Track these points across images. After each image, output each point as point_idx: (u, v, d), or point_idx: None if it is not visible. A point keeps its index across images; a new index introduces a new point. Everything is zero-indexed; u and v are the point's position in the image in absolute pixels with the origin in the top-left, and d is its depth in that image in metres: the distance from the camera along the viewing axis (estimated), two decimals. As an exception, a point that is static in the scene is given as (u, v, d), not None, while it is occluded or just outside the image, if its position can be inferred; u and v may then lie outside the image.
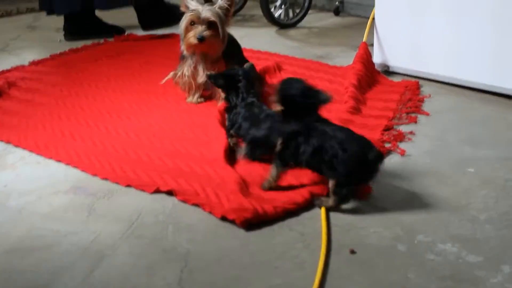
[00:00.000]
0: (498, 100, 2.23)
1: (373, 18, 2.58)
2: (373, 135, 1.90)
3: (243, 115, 1.80)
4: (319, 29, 3.36)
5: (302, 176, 1.65)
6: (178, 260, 1.35)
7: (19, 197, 1.64)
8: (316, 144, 1.50)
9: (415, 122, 2.05)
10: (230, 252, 1.38)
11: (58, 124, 2.08)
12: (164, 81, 2.28)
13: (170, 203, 1.58)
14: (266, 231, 1.45)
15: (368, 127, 1.97)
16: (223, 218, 1.49)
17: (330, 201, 1.51)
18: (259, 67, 2.46)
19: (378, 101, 2.21)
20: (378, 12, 2.54)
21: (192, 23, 2.08)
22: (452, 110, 2.16)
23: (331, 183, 1.50)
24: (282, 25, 3.33)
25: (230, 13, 2.13)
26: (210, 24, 2.07)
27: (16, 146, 1.94)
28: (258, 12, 3.37)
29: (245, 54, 2.46)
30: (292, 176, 1.65)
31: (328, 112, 1.70)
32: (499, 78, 2.23)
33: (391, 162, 1.78)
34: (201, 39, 2.05)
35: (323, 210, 1.51)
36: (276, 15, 3.31)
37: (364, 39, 2.60)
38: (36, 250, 1.41)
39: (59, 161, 1.83)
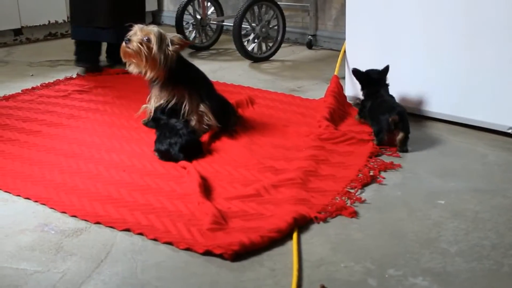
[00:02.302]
0: (468, 132, 2.26)
1: (344, 51, 2.61)
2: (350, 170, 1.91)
3: None
4: (292, 62, 3.39)
5: (281, 202, 1.71)
6: (146, 298, 1.33)
7: (-15, 236, 1.61)
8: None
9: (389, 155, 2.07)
10: (200, 290, 1.36)
11: (27, 160, 2.05)
12: (139, 113, 2.31)
13: (139, 240, 1.56)
14: (236, 266, 1.44)
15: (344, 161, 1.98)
16: (192, 255, 1.48)
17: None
18: (232, 100, 2.46)
19: (350, 134, 2.22)
20: (349, 45, 2.58)
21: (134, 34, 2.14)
22: (422, 142, 2.18)
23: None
24: (255, 58, 3.36)
25: (176, 49, 2.17)
26: (148, 39, 2.11)
27: (-17, 183, 1.91)
28: (232, 46, 3.40)
29: (218, 87, 2.47)
30: (271, 204, 1.70)
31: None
32: (468, 110, 2.26)
33: (362, 195, 1.78)
34: (127, 41, 2.11)
35: (294, 245, 1.50)
36: (249, 48, 3.34)
37: (336, 72, 2.63)
38: (1, 290, 1.38)
39: (27, 198, 1.80)
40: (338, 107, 2.42)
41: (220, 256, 1.47)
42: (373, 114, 2.22)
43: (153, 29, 2.13)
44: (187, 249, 1.51)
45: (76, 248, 1.54)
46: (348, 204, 1.72)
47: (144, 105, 2.27)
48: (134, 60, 2.16)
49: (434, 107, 2.35)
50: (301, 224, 1.62)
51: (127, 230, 1.61)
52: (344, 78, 2.61)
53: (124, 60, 2.21)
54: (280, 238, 1.55)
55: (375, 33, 2.47)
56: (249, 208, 1.70)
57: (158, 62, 2.13)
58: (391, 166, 1.97)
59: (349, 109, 2.47)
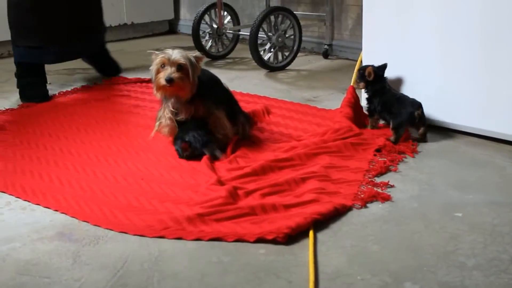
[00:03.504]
0: (486, 143, 2.24)
1: (361, 61, 2.61)
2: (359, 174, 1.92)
3: None
4: (308, 72, 3.39)
5: (313, 193, 1.82)
6: (163, 309, 1.34)
7: (3, 244, 1.62)
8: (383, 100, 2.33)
9: (403, 164, 2.06)
10: (216, 301, 1.36)
11: (45, 169, 2.07)
12: (152, 134, 2.24)
13: (156, 249, 1.57)
14: (252, 278, 1.44)
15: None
16: (209, 266, 1.48)
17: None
18: (248, 110, 2.47)
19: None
20: (366, 55, 2.57)
21: (162, 66, 2.09)
22: (440, 153, 2.17)
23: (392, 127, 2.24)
24: (271, 68, 3.37)
25: (200, 61, 2.15)
26: (180, 67, 2.07)
27: (2, 191, 1.92)
28: (248, 55, 3.41)
29: (235, 97, 2.47)
30: (305, 195, 1.82)
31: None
32: (486, 121, 2.25)
33: (378, 207, 1.78)
34: (169, 81, 2.05)
35: (311, 257, 1.50)
36: (266, 58, 3.35)
37: (352, 83, 2.63)
38: (18, 299, 1.39)
39: (47, 207, 1.81)
40: (355, 117, 2.41)
41: (272, 241, 1.57)
42: (390, 109, 2.28)
43: (178, 55, 2.08)
44: (237, 240, 1.58)
45: (93, 257, 1.55)
46: (380, 190, 1.86)
47: (157, 123, 2.23)
48: (178, 93, 2.12)
49: (450, 118, 2.34)
50: (342, 212, 1.74)
51: (160, 237, 1.61)
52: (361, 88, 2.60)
53: (165, 95, 2.16)
54: (321, 220, 1.66)
55: (392, 42, 2.46)
56: (285, 200, 1.77)
57: (195, 83, 2.12)
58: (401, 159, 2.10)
59: (366, 119, 2.46)
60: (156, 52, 2.12)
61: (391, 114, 2.27)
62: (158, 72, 2.10)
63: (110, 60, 3.35)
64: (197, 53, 2.15)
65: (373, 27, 2.52)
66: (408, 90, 2.38)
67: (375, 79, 2.36)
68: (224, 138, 2.21)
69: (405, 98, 2.31)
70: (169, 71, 2.06)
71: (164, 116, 2.18)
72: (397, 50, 2.45)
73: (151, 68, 2.13)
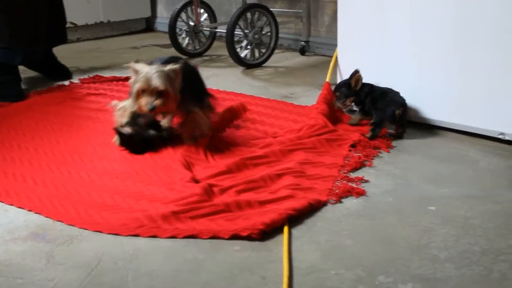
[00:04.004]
0: (460, 138, 2.27)
1: (336, 58, 2.62)
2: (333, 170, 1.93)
3: None
4: (285, 68, 3.40)
5: (288, 189, 1.83)
6: (137, 307, 1.33)
7: (-24, 245, 1.61)
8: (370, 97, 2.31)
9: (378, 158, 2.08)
10: (190, 298, 1.36)
11: (20, 169, 2.05)
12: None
13: (130, 248, 1.56)
14: (227, 274, 1.44)
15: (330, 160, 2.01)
16: (184, 263, 1.48)
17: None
18: (224, 107, 2.47)
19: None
20: (341, 51, 2.59)
21: (142, 91, 2.05)
22: (415, 148, 2.19)
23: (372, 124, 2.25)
24: (248, 65, 3.37)
25: (178, 73, 2.09)
26: (160, 93, 2.04)
27: (-25, 192, 1.91)
28: (225, 52, 3.40)
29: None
30: (280, 191, 1.82)
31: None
32: (460, 116, 2.27)
33: (353, 201, 1.79)
34: (152, 109, 2.05)
35: (285, 253, 1.50)
36: (242, 55, 3.35)
37: (328, 79, 2.64)
38: (-9, 300, 1.38)
39: (20, 207, 1.79)
40: (330, 114, 2.42)
41: (247, 237, 1.57)
42: (376, 105, 2.29)
43: (158, 81, 2.03)
44: (212, 237, 1.58)
45: (67, 256, 1.54)
46: (354, 185, 1.87)
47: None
48: (166, 112, 2.16)
49: (426, 113, 2.36)
50: (317, 207, 1.74)
51: (135, 235, 1.61)
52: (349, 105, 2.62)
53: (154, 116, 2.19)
54: (296, 216, 1.67)
55: (367, 39, 2.48)
56: (259, 197, 1.78)
57: (177, 96, 2.10)
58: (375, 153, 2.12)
59: (342, 115, 2.47)
60: (135, 67, 2.07)
61: (375, 110, 2.28)
62: (138, 95, 2.07)
63: (59, 65, 3.30)
64: (174, 66, 2.08)
65: (348, 23, 2.54)
66: (384, 85, 2.39)
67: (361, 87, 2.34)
68: (200, 136, 2.21)
69: (389, 95, 2.30)
70: (150, 99, 2.04)
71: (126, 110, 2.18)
72: (372, 46, 2.47)
73: (130, 82, 2.09)
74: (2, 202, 1.83)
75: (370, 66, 2.47)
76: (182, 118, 2.22)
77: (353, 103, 2.37)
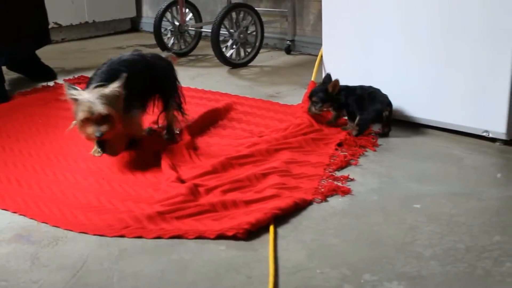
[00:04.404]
0: (445, 136, 2.28)
1: (321, 57, 2.62)
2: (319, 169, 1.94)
3: None
4: (271, 68, 3.40)
5: (273, 188, 1.83)
6: (123, 308, 1.33)
7: (-40, 248, 1.59)
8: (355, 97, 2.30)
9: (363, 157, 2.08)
10: (176, 298, 1.36)
11: (4, 171, 2.03)
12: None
13: (116, 249, 1.56)
14: (212, 275, 1.44)
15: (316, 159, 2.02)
16: (169, 263, 1.48)
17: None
18: (208, 107, 2.47)
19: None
20: (326, 50, 2.60)
21: (86, 119, 1.94)
22: (400, 146, 2.20)
23: (356, 121, 2.25)
24: (233, 64, 3.37)
25: (121, 93, 1.97)
26: (105, 118, 1.93)
27: (-41, 194, 1.89)
28: (210, 52, 3.40)
29: (196, 94, 2.47)
30: (265, 190, 1.82)
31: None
32: (444, 114, 2.29)
33: (339, 200, 1.80)
34: (100, 136, 1.95)
35: (271, 252, 1.50)
36: (228, 54, 3.34)
37: (313, 78, 2.65)
38: (-25, 303, 1.37)
39: (5, 209, 1.78)
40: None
41: (233, 237, 1.57)
42: (362, 104, 2.29)
43: (100, 106, 1.91)
44: (198, 237, 1.58)
45: (52, 258, 1.53)
46: (340, 184, 1.88)
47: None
48: (114, 134, 2.01)
49: (410, 111, 2.38)
50: (303, 206, 1.75)
51: (120, 236, 1.61)
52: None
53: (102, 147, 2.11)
54: (282, 215, 1.67)
55: (351, 37, 2.49)
56: (245, 196, 1.78)
57: (121, 116, 1.99)
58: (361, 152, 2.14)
59: (327, 114, 2.48)
60: (73, 96, 1.95)
61: (360, 110, 2.28)
62: (83, 124, 1.95)
63: (42, 66, 3.28)
64: (115, 86, 1.95)
65: (332, 22, 2.54)
66: (369, 83, 2.40)
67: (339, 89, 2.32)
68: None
69: (376, 94, 2.31)
70: (96, 127, 1.94)
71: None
72: (357, 45, 2.48)
73: (75, 111, 1.96)
74: (-14, 204, 1.82)
75: (355, 65, 2.48)
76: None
77: (330, 108, 2.35)
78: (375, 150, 2.16)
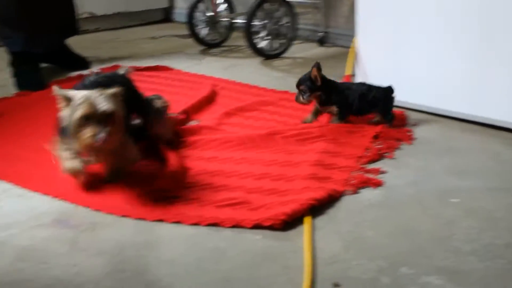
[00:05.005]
0: (482, 130, 2.25)
1: (354, 49, 2.60)
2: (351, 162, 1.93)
3: None
4: (303, 59, 3.39)
5: (306, 179, 1.82)
6: (160, 294, 1.34)
7: (1, 231, 1.62)
8: (358, 93, 2.23)
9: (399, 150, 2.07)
10: (212, 287, 1.37)
11: (42, 157, 2.05)
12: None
13: (153, 236, 1.57)
14: (249, 263, 1.44)
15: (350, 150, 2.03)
16: (204, 251, 1.49)
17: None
18: (239, 100, 2.49)
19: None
20: (360, 42, 2.57)
21: (86, 119, 1.61)
22: (436, 140, 2.17)
23: (379, 116, 2.24)
24: (266, 55, 3.36)
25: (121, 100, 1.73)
26: (109, 117, 1.64)
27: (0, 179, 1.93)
28: (242, 42, 3.40)
29: (228, 86, 2.46)
30: (298, 180, 1.82)
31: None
32: (482, 108, 2.26)
33: (374, 193, 1.79)
34: (102, 141, 1.61)
35: (306, 242, 1.50)
36: (261, 46, 3.34)
37: (347, 72, 2.63)
38: (17, 284, 1.39)
39: (45, 193, 1.81)
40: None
41: (269, 227, 1.57)
42: (373, 99, 2.25)
43: (105, 103, 1.64)
44: (234, 226, 1.59)
45: (90, 243, 1.55)
46: (371, 176, 1.86)
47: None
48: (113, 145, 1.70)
49: (447, 105, 2.35)
50: (336, 197, 1.74)
51: (160, 220, 1.62)
52: (354, 75, 2.61)
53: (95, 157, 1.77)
54: (317, 206, 1.66)
55: (386, 29, 2.46)
56: (279, 186, 1.78)
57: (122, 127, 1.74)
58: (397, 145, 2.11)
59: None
60: (65, 94, 1.66)
61: (372, 104, 2.24)
62: (81, 126, 1.62)
63: (75, 55, 3.31)
64: (115, 89, 1.70)
65: (367, 13, 2.52)
66: (402, 77, 2.38)
67: (322, 82, 2.23)
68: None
69: (372, 86, 2.27)
70: (99, 128, 1.60)
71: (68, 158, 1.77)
72: (391, 37, 2.45)
73: (64, 114, 1.67)
74: (27, 188, 1.85)
75: (389, 57, 2.45)
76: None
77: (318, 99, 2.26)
78: (411, 144, 2.14)
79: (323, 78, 2.24)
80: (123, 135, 1.73)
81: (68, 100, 1.64)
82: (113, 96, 1.68)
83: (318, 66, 2.22)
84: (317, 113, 2.31)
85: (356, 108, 2.25)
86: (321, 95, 2.25)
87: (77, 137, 1.63)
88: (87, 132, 1.61)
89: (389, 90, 2.24)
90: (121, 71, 2.00)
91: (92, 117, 1.61)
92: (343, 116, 2.25)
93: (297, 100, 2.28)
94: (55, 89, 1.67)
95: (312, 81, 2.23)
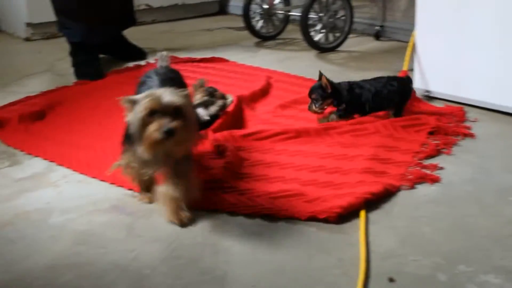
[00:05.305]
0: (543, 128, 2.19)
1: (413, 43, 2.56)
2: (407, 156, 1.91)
3: None
4: (359, 53, 3.35)
5: (362, 172, 1.81)
6: (215, 282, 1.35)
7: (61, 215, 1.67)
8: (373, 91, 2.20)
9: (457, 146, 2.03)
10: (266, 276, 1.37)
11: (100, 144, 2.11)
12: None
13: (208, 225, 1.59)
14: (303, 255, 1.44)
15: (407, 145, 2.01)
16: (261, 240, 1.49)
17: None
18: (294, 93, 2.48)
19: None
20: (419, 36, 2.53)
21: (151, 114, 1.47)
22: (495, 137, 2.12)
23: (391, 110, 2.22)
24: (322, 48, 3.34)
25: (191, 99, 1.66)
26: (177, 112, 1.49)
27: (59, 165, 1.98)
28: (298, 36, 3.39)
29: (282, 78, 2.45)
30: (353, 174, 1.81)
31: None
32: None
33: (431, 189, 1.76)
34: (169, 133, 1.45)
35: (362, 236, 1.49)
36: (316, 39, 3.32)
37: (405, 67, 2.59)
38: (75, 267, 1.43)
39: (103, 180, 1.85)
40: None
41: (324, 220, 1.57)
42: (387, 95, 2.23)
43: (172, 95, 1.50)
44: (288, 217, 1.59)
45: (146, 230, 1.58)
46: (429, 172, 1.83)
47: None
48: (184, 141, 1.53)
49: (508, 102, 2.28)
50: (392, 192, 1.72)
51: (216, 209, 1.64)
52: (412, 70, 2.57)
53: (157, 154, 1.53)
54: (372, 200, 1.65)
55: (446, 23, 2.41)
56: (334, 179, 1.78)
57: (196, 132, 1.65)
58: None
59: (418, 102, 2.43)
60: (129, 98, 1.51)
61: (391, 100, 2.22)
62: (146, 123, 1.47)
63: (131, 46, 3.36)
64: (185, 91, 1.59)
65: (427, 7, 2.47)
66: (462, 72, 2.33)
67: (332, 88, 2.21)
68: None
69: (391, 81, 2.24)
70: (164, 120, 1.46)
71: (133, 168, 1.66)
72: (453, 31, 2.40)
73: (129, 119, 1.52)
74: (85, 175, 1.90)
75: (449, 51, 2.40)
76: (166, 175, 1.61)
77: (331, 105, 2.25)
78: (469, 140, 2.09)
79: (333, 84, 2.22)
80: (195, 140, 1.60)
81: (133, 103, 1.50)
82: (185, 95, 1.54)
83: (323, 75, 2.21)
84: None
85: (371, 107, 2.23)
86: (333, 101, 2.23)
87: (143, 138, 1.48)
88: (152, 127, 1.46)
89: (406, 81, 2.25)
90: (162, 62, 1.95)
91: (157, 111, 1.47)
92: (344, 114, 2.22)
93: (309, 109, 2.27)
94: (121, 99, 1.51)
95: (323, 88, 2.22)
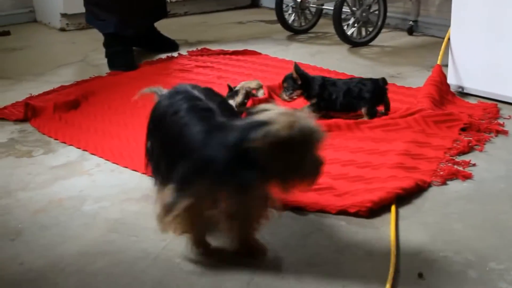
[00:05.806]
0: None
1: (449, 39, 2.53)
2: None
3: None
4: (392, 48, 3.33)
5: (393, 168, 1.81)
6: (244, 273, 1.37)
7: (94, 203, 1.70)
8: (344, 88, 2.21)
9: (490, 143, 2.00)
10: (295, 269, 1.38)
11: (132, 134, 2.13)
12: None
13: (238, 216, 1.60)
14: (333, 248, 1.45)
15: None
16: (292, 234, 1.50)
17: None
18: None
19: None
20: (454, 32, 2.50)
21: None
22: (529, 135, 2.09)
23: (364, 110, 2.18)
24: (354, 43, 3.32)
25: None
26: None
27: (92, 153, 2.01)
28: (330, 30, 3.38)
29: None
30: (384, 168, 1.81)
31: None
32: None
33: (463, 185, 1.74)
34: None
35: (392, 231, 1.49)
36: (349, 33, 3.30)
37: (439, 62, 2.57)
38: (107, 254, 1.45)
39: (134, 169, 1.88)
40: (439, 95, 2.35)
41: (354, 214, 1.57)
42: (360, 94, 2.21)
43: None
44: (318, 211, 1.60)
45: (177, 220, 1.59)
46: (461, 169, 1.82)
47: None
48: None
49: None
50: (423, 188, 1.71)
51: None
52: (446, 65, 2.54)
53: None
54: (403, 196, 1.65)
55: (482, 19, 2.37)
56: (365, 173, 1.78)
57: None
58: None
59: (453, 98, 2.40)
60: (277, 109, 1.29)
61: (361, 99, 2.21)
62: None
63: (164, 38, 3.38)
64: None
65: (463, 3, 2.44)
66: (497, 69, 2.29)
67: (303, 81, 2.22)
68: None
69: (364, 81, 2.25)
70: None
71: None
72: (487, 28, 2.36)
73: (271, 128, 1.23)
74: (117, 164, 1.92)
75: (484, 48, 2.37)
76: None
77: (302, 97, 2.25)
78: (503, 137, 2.06)
79: (305, 77, 2.23)
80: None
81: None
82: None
83: (296, 67, 2.22)
84: None
85: (342, 104, 2.22)
86: (303, 93, 2.24)
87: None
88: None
89: (380, 82, 2.22)
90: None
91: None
92: (316, 109, 2.17)
93: (280, 96, 2.28)
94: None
95: (294, 80, 2.23)
